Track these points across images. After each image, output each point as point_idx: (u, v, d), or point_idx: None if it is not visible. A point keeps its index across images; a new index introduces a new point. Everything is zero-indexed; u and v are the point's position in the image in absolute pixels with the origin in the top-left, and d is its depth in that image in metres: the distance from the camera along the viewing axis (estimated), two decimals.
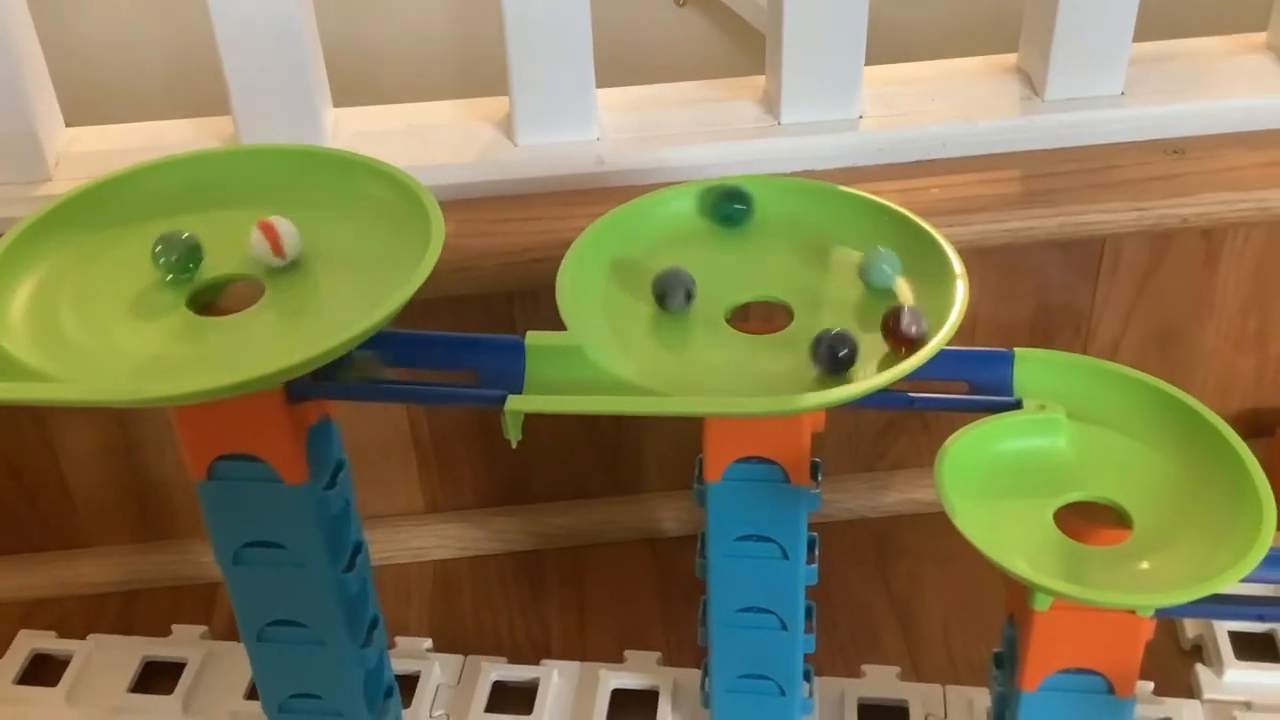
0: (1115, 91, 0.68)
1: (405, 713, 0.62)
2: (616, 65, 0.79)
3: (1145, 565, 0.45)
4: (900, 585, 0.71)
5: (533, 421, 0.72)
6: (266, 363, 0.39)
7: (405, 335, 0.47)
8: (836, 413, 0.73)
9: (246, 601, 0.50)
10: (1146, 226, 0.66)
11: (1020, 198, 0.66)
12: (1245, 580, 0.47)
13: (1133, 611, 0.46)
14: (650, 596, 0.71)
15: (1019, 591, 0.48)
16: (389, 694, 0.55)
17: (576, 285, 0.49)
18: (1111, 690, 0.48)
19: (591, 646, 0.68)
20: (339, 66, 0.88)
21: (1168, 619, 0.67)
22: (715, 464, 0.52)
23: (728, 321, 0.50)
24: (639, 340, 0.49)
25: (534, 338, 0.47)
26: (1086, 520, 0.48)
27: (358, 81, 0.88)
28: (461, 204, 0.66)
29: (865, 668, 0.65)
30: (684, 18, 1.46)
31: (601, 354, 0.47)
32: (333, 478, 0.48)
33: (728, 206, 0.53)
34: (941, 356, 0.52)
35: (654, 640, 0.68)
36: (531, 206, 0.65)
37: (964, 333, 0.70)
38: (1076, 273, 0.70)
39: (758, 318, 0.51)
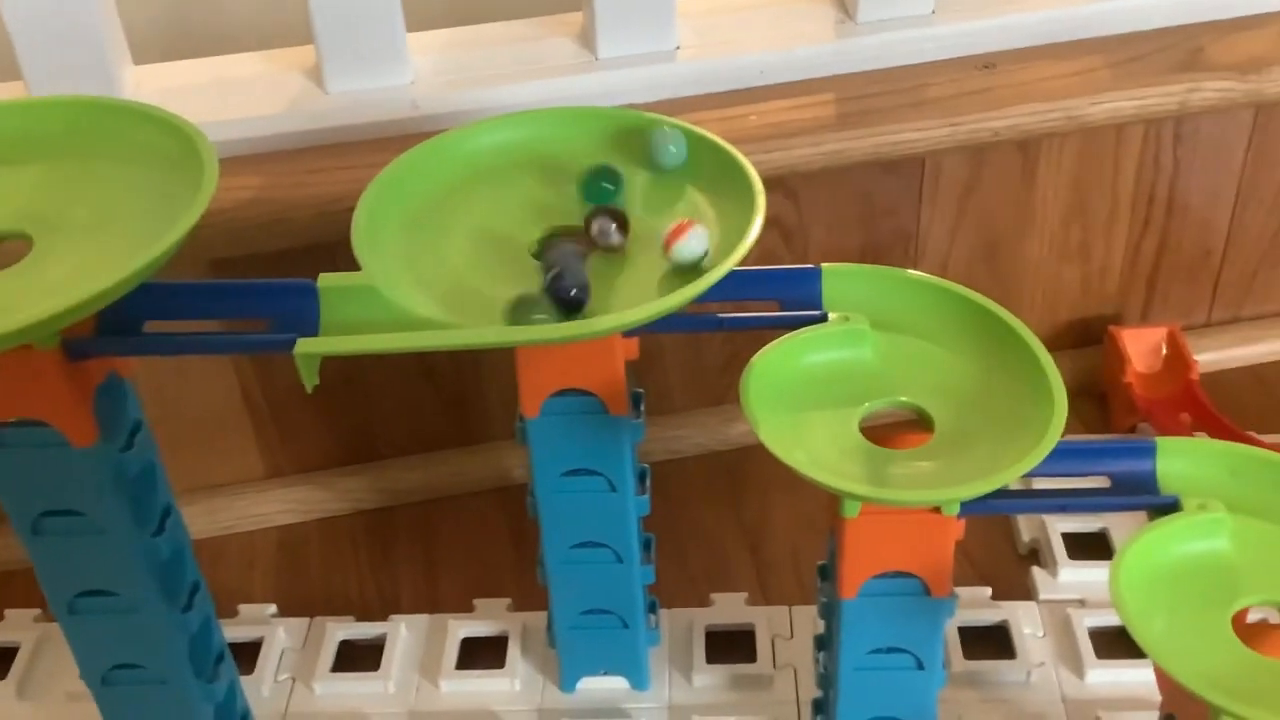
0: (926, 11, 0.69)
1: (248, 679, 0.61)
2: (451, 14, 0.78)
3: (947, 465, 0.46)
4: (750, 515, 0.72)
5: (373, 377, 0.72)
6: (12, 319, 0.38)
7: (188, 286, 0.46)
8: (676, 347, 0.74)
9: (51, 573, 0.48)
10: (961, 142, 0.67)
11: (835, 120, 0.66)
12: (1048, 474, 0.48)
13: (938, 510, 0.47)
14: (502, 545, 0.70)
15: (834, 503, 0.48)
16: (220, 659, 0.54)
17: (372, 225, 0.48)
18: (927, 591, 0.49)
19: (443, 599, 0.68)
20: (169, 26, 0.85)
21: (1000, 523, 0.69)
22: (531, 399, 0.52)
23: (534, 256, 0.50)
24: (440, 279, 0.48)
25: (326, 279, 0.46)
26: (893, 429, 0.48)
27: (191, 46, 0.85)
28: (274, 156, 0.64)
29: (714, 596, 0.66)
30: None
31: (397, 292, 0.46)
32: (130, 439, 0.47)
33: (597, 186, 0.52)
34: (751, 276, 0.52)
35: (506, 588, 0.67)
36: (345, 155, 0.64)
37: (797, 258, 0.71)
38: (900, 193, 0.70)
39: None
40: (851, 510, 0.47)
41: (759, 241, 0.70)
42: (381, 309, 0.46)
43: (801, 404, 0.48)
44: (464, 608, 0.66)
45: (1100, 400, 0.76)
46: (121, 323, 0.45)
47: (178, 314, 0.45)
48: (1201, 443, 0.48)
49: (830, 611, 0.51)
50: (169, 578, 0.50)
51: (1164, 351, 0.73)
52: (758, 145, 0.65)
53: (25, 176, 0.46)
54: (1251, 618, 0.47)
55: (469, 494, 0.73)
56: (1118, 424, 0.74)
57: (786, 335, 0.49)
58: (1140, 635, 0.42)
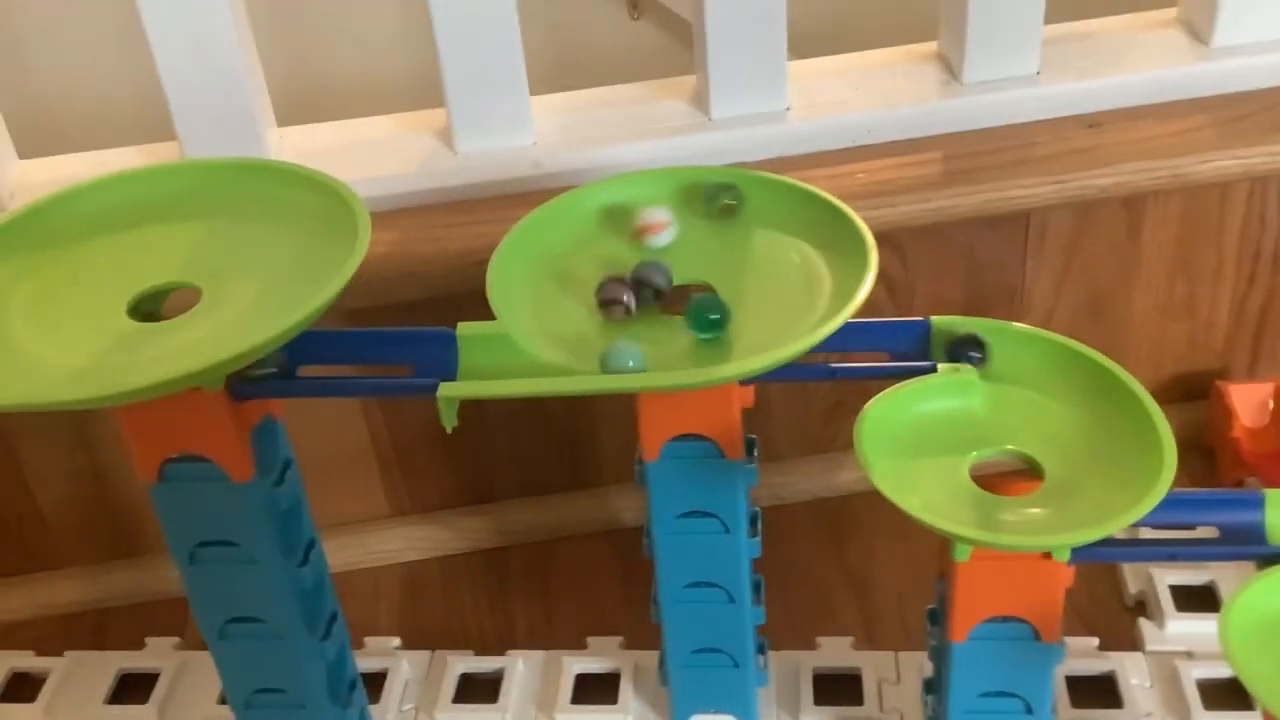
0: (1031, 71, 0.71)
1: (374, 709, 0.64)
2: (569, 75, 0.82)
3: (1056, 512, 0.47)
4: (855, 560, 0.73)
5: (492, 422, 0.75)
6: (189, 362, 0.41)
7: (339, 334, 0.49)
8: (783, 396, 0.76)
9: (204, 600, 0.52)
10: (1067, 198, 0.68)
11: (943, 178, 0.68)
12: (1156, 524, 0.49)
13: (1048, 556, 0.48)
14: (612, 584, 0.73)
15: (944, 547, 0.50)
16: (353, 686, 0.57)
17: (504, 278, 0.51)
18: (1037, 636, 0.50)
19: (557, 636, 0.70)
20: (294, 88, 0.91)
21: (1107, 575, 0.70)
22: (652, 443, 0.54)
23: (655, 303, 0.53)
24: (567, 328, 0.51)
25: (464, 328, 0.49)
26: (1002, 477, 0.50)
27: (312, 103, 0.90)
28: (405, 213, 0.68)
29: (820, 640, 0.67)
30: (641, 31, 1.49)
31: (529, 340, 0.49)
32: (281, 475, 0.50)
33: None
34: (861, 328, 0.54)
35: (617, 626, 0.69)
36: (472, 211, 0.67)
37: (901, 311, 0.73)
38: (1005, 248, 0.72)
39: (681, 300, 0.53)
40: (963, 554, 0.48)
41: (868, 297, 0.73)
42: (514, 356, 0.49)
43: (912, 451, 0.50)
44: (577, 645, 0.68)
45: (1207, 455, 0.76)
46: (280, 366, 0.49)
47: (330, 359, 0.49)
48: (970, 320, 0.50)
49: (940, 655, 0.53)
50: (311, 606, 0.53)
51: (1271, 406, 0.73)
52: (865, 202, 0.67)
53: (193, 232, 0.50)
54: None
55: (581, 535, 0.76)
56: (1225, 478, 0.74)
57: (898, 384, 0.51)
58: (1251, 682, 0.43)
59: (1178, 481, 0.75)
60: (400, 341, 0.49)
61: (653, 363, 0.49)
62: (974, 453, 0.50)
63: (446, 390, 0.46)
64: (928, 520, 0.45)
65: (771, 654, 0.66)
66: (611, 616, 0.71)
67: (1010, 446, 0.50)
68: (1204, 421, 0.77)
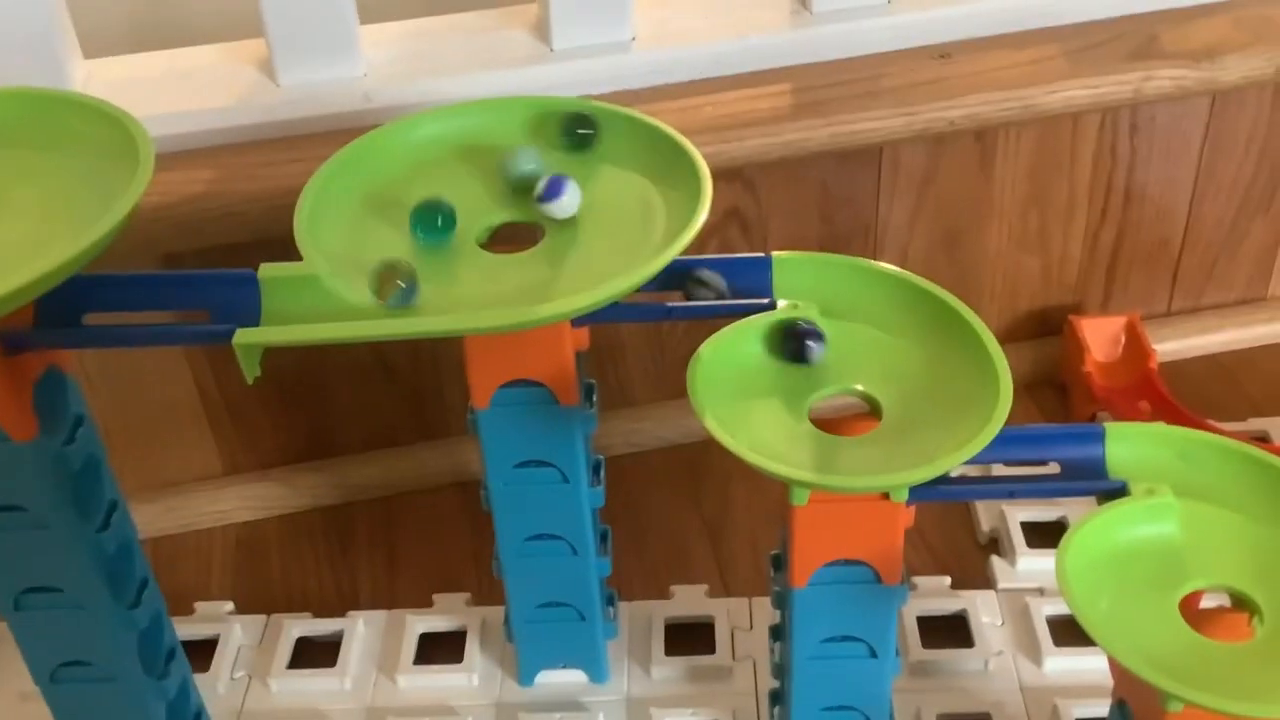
0: (881, 1, 0.69)
1: (203, 677, 0.61)
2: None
3: (894, 452, 0.46)
4: (711, 507, 0.72)
5: (331, 374, 0.71)
6: None
7: (129, 278, 0.45)
8: (637, 340, 0.74)
9: None
10: (917, 131, 0.67)
11: (792, 110, 0.66)
12: (999, 460, 0.48)
13: (886, 497, 0.46)
14: (461, 539, 0.70)
15: (784, 491, 0.48)
16: (171, 656, 0.53)
17: (316, 216, 0.48)
18: (879, 578, 0.49)
19: (402, 595, 0.67)
20: (147, 21, 0.84)
21: (960, 513, 0.69)
22: (481, 390, 0.51)
23: (482, 245, 0.50)
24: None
25: (268, 269, 0.45)
26: (842, 417, 0.48)
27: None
28: (225, 149, 0.63)
29: (674, 588, 0.66)
30: None
31: (339, 283, 0.46)
32: (71, 433, 0.46)
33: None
34: (709, 265, 0.52)
35: (465, 582, 0.67)
36: (298, 148, 0.63)
37: (756, 249, 0.71)
38: (859, 183, 0.70)
39: (508, 239, 0.50)
40: (800, 498, 0.47)
41: (718, 233, 0.71)
42: (324, 300, 0.45)
43: (750, 393, 0.48)
44: (423, 603, 0.65)
45: (1061, 390, 0.76)
46: (60, 315, 0.44)
47: (116, 305, 0.45)
48: (1150, 427, 0.48)
49: (783, 601, 0.51)
50: (116, 573, 0.49)
51: (1123, 341, 0.74)
52: (713, 136, 0.65)
53: None
54: (1203, 603, 0.48)
55: (428, 489, 0.73)
56: (1077, 413, 0.74)
57: (735, 324, 0.49)
58: (1085, 618, 0.42)
59: (1031, 417, 0.76)
60: (197, 285, 0.45)
61: (476, 303, 0.46)
62: (814, 393, 0.48)
63: (243, 337, 0.42)
64: (761, 463, 0.43)
65: (623, 605, 0.64)
66: (460, 572, 0.68)
67: (851, 385, 0.48)
68: (1058, 357, 0.77)
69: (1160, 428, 0.48)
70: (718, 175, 0.68)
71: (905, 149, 0.69)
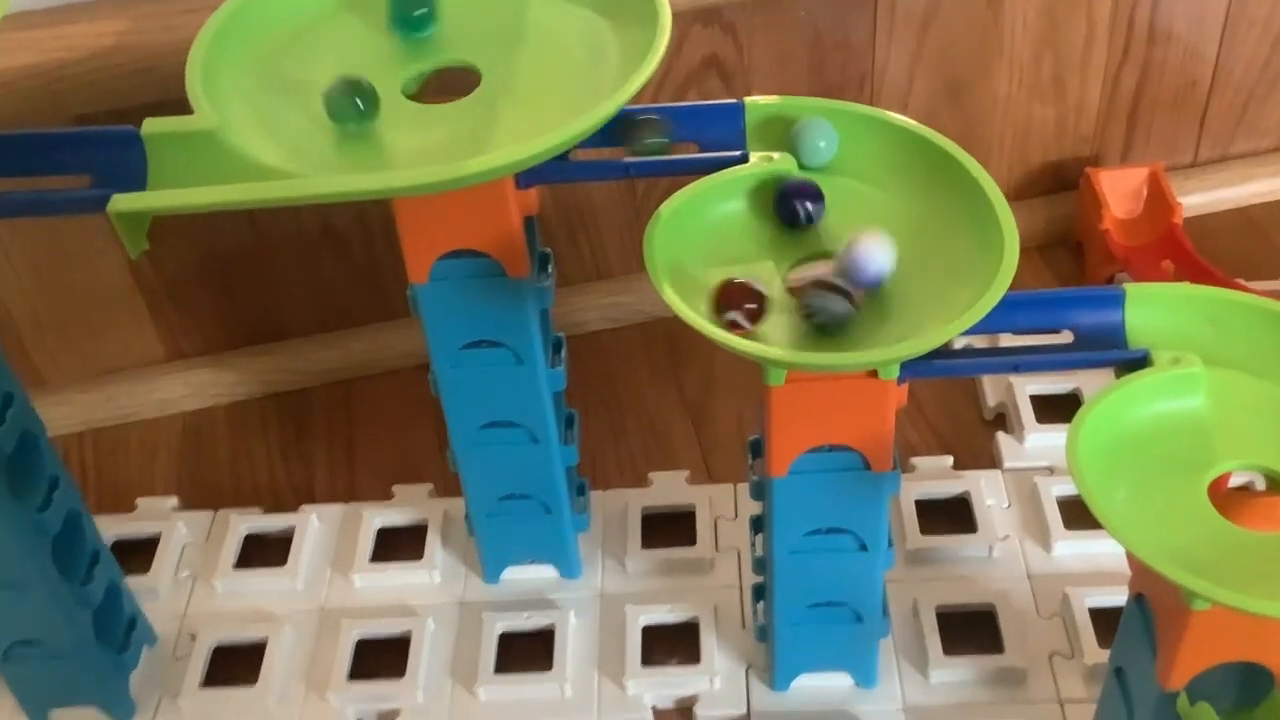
0: None
1: (143, 579, 0.56)
2: None
3: (882, 323, 0.40)
4: (694, 387, 0.66)
5: (276, 249, 0.65)
6: None
7: None
8: (611, 203, 0.68)
9: None
10: None
11: None
12: (1005, 330, 0.42)
13: (874, 375, 0.41)
14: (425, 425, 0.65)
15: (759, 371, 0.42)
16: (95, 560, 0.49)
17: (213, 66, 0.41)
18: (867, 465, 0.44)
19: (361, 487, 0.62)
20: None
21: (965, 386, 0.64)
22: (418, 262, 0.46)
23: (409, 97, 0.43)
24: (296, 124, 0.41)
25: (152, 124, 0.39)
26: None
27: None
28: None
29: (653, 475, 0.61)
30: None
31: (239, 138, 0.39)
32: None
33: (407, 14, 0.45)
34: (671, 114, 0.45)
35: (429, 472, 0.62)
36: None
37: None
38: (852, 27, 0.63)
39: (437, 89, 0.44)
40: (776, 378, 0.41)
41: (695, 83, 0.64)
42: (222, 160, 0.39)
43: (721, 258, 0.42)
44: (384, 495, 0.61)
45: (1077, 250, 0.70)
46: None
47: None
48: (1176, 288, 0.42)
49: (762, 490, 0.46)
50: (62, 552, 0.45)
51: (1145, 194, 0.67)
52: None
53: None
54: (1233, 484, 0.42)
55: (388, 371, 0.67)
56: (1094, 275, 0.67)
57: (702, 180, 0.43)
58: (1100, 509, 0.37)
59: (1043, 281, 0.70)
60: (70, 144, 0.39)
61: (399, 161, 0.40)
62: (793, 260, 0.42)
63: (119, 204, 0.36)
64: (721, 339, 0.38)
65: (596, 494, 0.59)
66: (423, 461, 0.63)
67: (836, 250, 0.42)
68: (1074, 215, 0.70)
69: (1187, 288, 0.42)
70: (693, 16, 0.61)
71: None
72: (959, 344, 0.59)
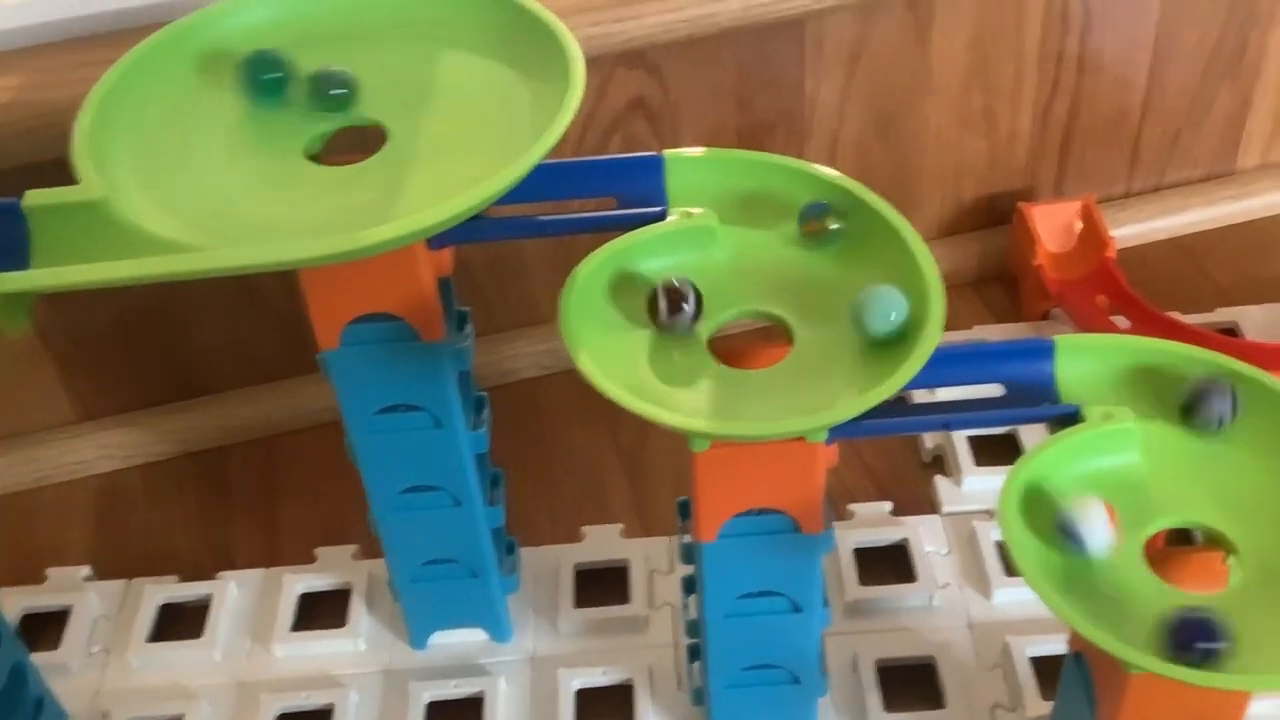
0: None
1: (53, 655, 0.54)
2: None
3: (808, 384, 0.39)
4: (628, 435, 0.65)
5: (191, 305, 0.63)
6: None
7: None
8: (543, 255, 0.66)
9: None
10: (839, 2, 0.58)
11: None
12: (935, 385, 0.41)
13: (802, 438, 0.39)
14: (350, 484, 0.62)
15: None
16: (39, 708, 0.47)
17: (100, 131, 0.39)
18: (798, 527, 0.42)
19: (283, 551, 0.60)
20: None
21: (905, 436, 0.63)
22: (327, 327, 0.44)
23: (311, 158, 0.41)
24: (195, 190, 0.40)
25: (35, 196, 0.37)
26: (747, 344, 0.41)
27: None
28: (32, 52, 0.54)
29: (586, 529, 0.59)
30: None
31: (130, 209, 0.37)
32: None
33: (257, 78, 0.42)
34: (580, 169, 0.44)
35: (354, 532, 0.60)
36: (121, 47, 0.54)
37: (667, 145, 0.63)
38: (780, 64, 0.62)
39: (344, 148, 0.42)
40: (700, 445, 0.40)
41: (621, 127, 0.62)
42: (113, 232, 0.37)
43: (637, 318, 0.40)
44: (307, 558, 0.59)
45: (1012, 285, 0.69)
46: None
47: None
48: (1106, 339, 0.41)
49: (692, 554, 0.45)
50: None
51: (1077, 228, 0.66)
52: (606, 14, 0.56)
53: None
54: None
55: (311, 427, 0.65)
56: (1029, 312, 0.67)
57: (619, 239, 0.41)
58: (1034, 579, 0.35)
59: (979, 318, 0.69)
60: None
61: (301, 227, 0.38)
62: (716, 316, 0.40)
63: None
64: (639, 410, 0.36)
65: (527, 551, 0.57)
66: (348, 520, 0.60)
67: (756, 306, 0.41)
68: (1008, 249, 0.69)
69: (1116, 339, 0.41)
70: (615, 60, 0.60)
71: (830, 20, 0.61)
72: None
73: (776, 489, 0.41)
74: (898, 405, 0.41)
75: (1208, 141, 0.71)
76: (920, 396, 0.55)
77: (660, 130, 0.63)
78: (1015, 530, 0.37)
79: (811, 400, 0.38)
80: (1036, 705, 0.50)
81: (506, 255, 0.65)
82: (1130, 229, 0.71)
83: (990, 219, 0.70)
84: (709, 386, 0.39)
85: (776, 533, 0.42)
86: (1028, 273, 0.66)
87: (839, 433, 0.40)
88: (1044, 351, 0.41)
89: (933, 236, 0.70)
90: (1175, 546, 0.40)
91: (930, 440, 0.61)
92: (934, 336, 0.37)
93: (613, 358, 0.39)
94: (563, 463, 0.63)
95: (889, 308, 0.38)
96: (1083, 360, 0.41)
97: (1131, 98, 0.68)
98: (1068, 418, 0.40)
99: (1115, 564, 0.37)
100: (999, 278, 0.70)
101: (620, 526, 0.59)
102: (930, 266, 0.39)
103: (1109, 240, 0.64)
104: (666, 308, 0.39)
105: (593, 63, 0.58)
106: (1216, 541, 0.38)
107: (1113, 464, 0.39)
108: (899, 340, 0.38)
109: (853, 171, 0.68)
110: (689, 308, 0.39)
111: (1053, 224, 0.66)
